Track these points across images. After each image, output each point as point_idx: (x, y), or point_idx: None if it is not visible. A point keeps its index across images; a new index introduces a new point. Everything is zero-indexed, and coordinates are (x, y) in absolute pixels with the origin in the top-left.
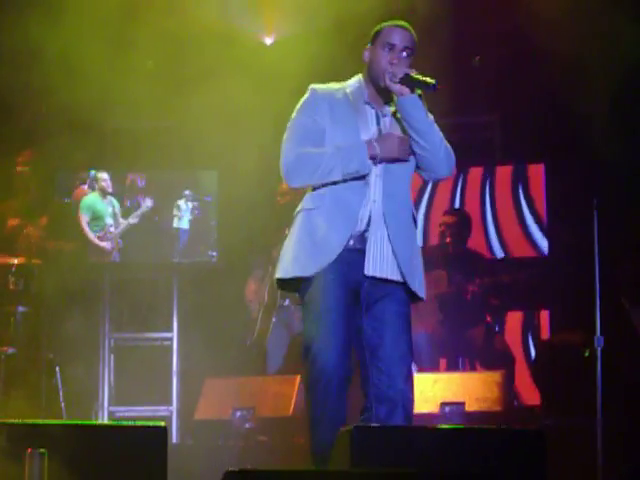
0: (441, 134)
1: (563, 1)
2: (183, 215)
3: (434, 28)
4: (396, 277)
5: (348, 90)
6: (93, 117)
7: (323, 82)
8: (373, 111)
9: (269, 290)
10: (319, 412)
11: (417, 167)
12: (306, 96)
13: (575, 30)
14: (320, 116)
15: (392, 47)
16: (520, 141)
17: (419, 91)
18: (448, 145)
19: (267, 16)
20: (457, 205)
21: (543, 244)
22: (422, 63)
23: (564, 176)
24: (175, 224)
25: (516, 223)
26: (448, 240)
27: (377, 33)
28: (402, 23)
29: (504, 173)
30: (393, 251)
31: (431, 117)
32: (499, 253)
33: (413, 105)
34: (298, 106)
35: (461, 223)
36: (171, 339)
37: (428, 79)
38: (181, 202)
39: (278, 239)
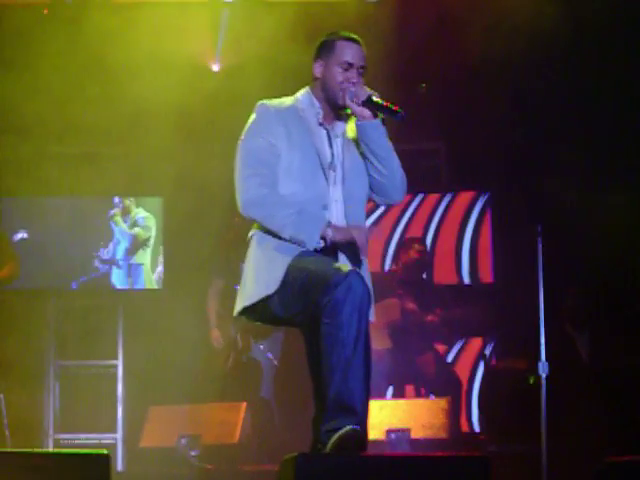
0: (398, 160)
1: (510, 30)
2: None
3: (381, 54)
4: None
5: (300, 107)
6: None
7: None
8: (325, 132)
9: (241, 335)
10: (351, 346)
11: (370, 190)
12: (258, 114)
13: (520, 60)
14: (275, 137)
15: (350, 65)
16: (465, 169)
17: (381, 116)
18: (403, 172)
19: (214, 43)
20: (400, 232)
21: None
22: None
23: (509, 204)
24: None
25: (454, 251)
26: (398, 268)
27: (329, 47)
28: (356, 38)
29: (449, 200)
30: None
31: (390, 143)
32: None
33: (376, 130)
34: (250, 124)
35: (414, 251)
36: (116, 366)
37: (395, 107)
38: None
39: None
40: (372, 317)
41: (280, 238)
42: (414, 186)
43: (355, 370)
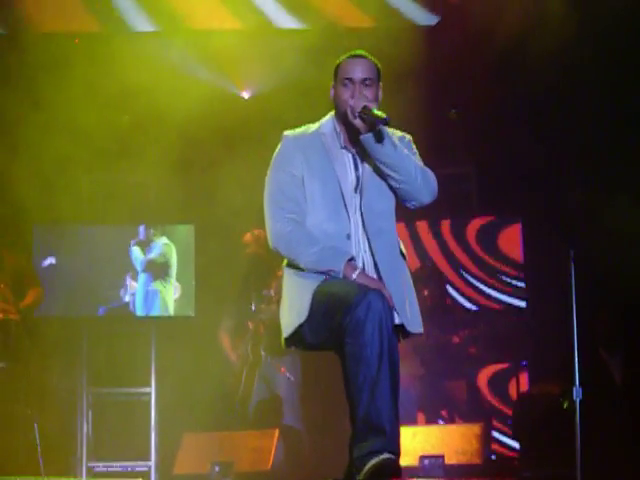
0: (415, 160)
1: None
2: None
3: (412, 79)
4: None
5: (322, 133)
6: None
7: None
8: (350, 155)
9: (252, 347)
10: (375, 365)
11: (397, 198)
12: (280, 147)
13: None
14: (296, 168)
15: (350, 81)
16: (497, 193)
17: (380, 116)
18: (426, 169)
19: (244, 70)
20: (420, 256)
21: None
22: (398, 114)
23: (541, 228)
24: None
25: (489, 275)
26: (426, 293)
27: (336, 69)
28: (358, 53)
29: (481, 225)
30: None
31: (401, 144)
32: (470, 305)
33: (372, 141)
34: (274, 159)
35: (438, 276)
36: (149, 394)
37: (379, 113)
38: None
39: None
40: (420, 329)
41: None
42: (444, 211)
43: (382, 389)
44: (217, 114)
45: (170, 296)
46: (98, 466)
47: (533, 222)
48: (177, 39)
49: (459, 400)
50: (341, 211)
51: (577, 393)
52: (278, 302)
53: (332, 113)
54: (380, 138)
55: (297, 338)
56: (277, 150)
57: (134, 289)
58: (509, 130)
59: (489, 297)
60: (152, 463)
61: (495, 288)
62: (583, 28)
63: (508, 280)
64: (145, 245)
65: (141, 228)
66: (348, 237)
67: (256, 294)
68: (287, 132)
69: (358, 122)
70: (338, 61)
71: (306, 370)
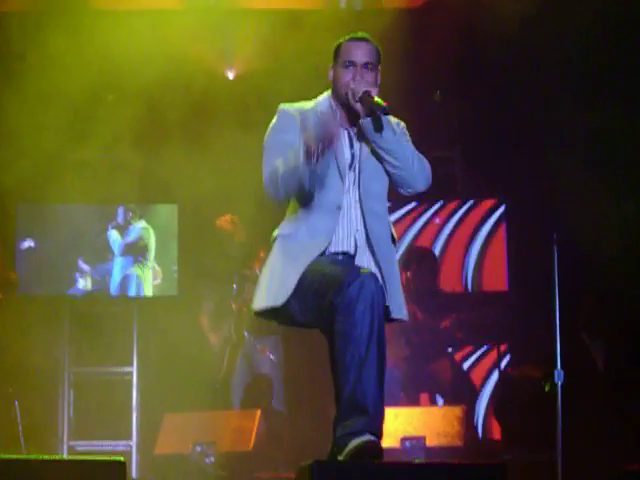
0: (411, 146)
1: (528, 39)
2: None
3: (396, 62)
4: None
5: (319, 110)
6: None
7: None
8: (346, 133)
9: (235, 328)
10: (364, 345)
11: (392, 183)
12: (278, 116)
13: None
14: (294, 135)
15: (352, 64)
16: (480, 176)
17: (381, 104)
18: (421, 157)
19: (230, 50)
20: (412, 239)
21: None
22: (382, 96)
23: (524, 211)
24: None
25: (468, 258)
26: (409, 275)
27: (337, 50)
28: (361, 36)
29: (464, 209)
30: (382, 277)
31: (398, 130)
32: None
33: (373, 127)
34: (271, 127)
35: (428, 260)
36: (131, 373)
37: (380, 100)
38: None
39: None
40: (405, 316)
41: (289, 237)
42: (429, 194)
43: (369, 369)
44: (201, 93)
45: (148, 280)
46: (79, 445)
47: (517, 205)
48: (164, 16)
49: (443, 381)
50: (335, 183)
51: (559, 376)
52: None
53: (328, 93)
54: (379, 125)
55: (275, 312)
56: (274, 119)
57: (87, 272)
58: (494, 113)
59: (466, 280)
60: (133, 443)
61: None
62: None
63: (490, 263)
64: (123, 229)
65: (120, 210)
66: (338, 208)
67: (238, 275)
68: (284, 104)
69: (358, 106)
70: (339, 42)
71: (288, 351)
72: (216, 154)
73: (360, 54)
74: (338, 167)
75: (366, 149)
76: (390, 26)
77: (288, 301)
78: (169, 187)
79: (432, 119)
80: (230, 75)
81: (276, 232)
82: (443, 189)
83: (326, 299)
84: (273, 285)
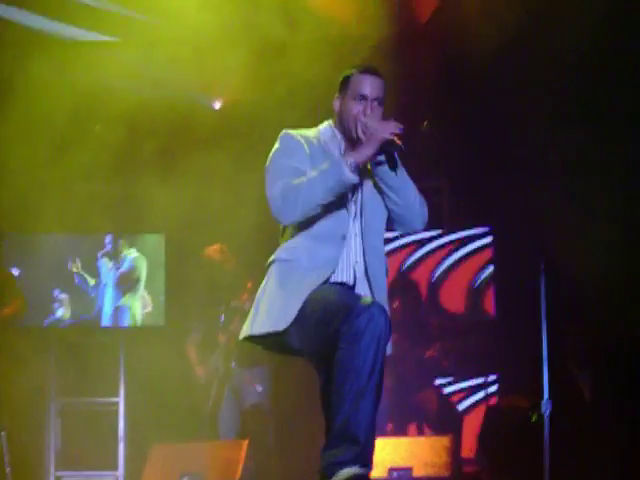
0: (414, 187)
1: (511, 67)
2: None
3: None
4: None
5: (322, 139)
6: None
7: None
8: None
9: (223, 361)
10: (365, 377)
11: (389, 220)
12: (283, 141)
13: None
14: (301, 163)
15: (363, 97)
16: (468, 205)
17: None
18: (421, 197)
19: (215, 80)
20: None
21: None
22: None
23: (511, 240)
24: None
25: (464, 287)
26: (396, 305)
27: (346, 80)
28: (373, 69)
29: (453, 238)
30: None
31: (403, 173)
32: (446, 317)
33: (387, 165)
34: (275, 151)
35: (412, 289)
36: (117, 404)
37: (399, 143)
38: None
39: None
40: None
41: (292, 262)
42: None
43: (366, 400)
44: (188, 123)
45: (138, 310)
46: (66, 475)
47: (504, 234)
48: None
49: (429, 411)
50: (341, 213)
51: (546, 407)
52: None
53: (329, 122)
54: (395, 166)
55: (268, 339)
56: (279, 144)
57: (64, 303)
58: (480, 142)
59: (459, 308)
60: (120, 474)
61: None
62: (553, 44)
63: (479, 291)
64: (115, 258)
65: (108, 238)
66: (343, 238)
67: (225, 306)
68: (287, 130)
69: (365, 140)
70: (348, 73)
71: (276, 382)
72: (202, 183)
73: (372, 88)
74: (343, 196)
75: (369, 183)
76: (377, 55)
77: (287, 327)
78: (155, 217)
79: (420, 149)
80: (216, 105)
81: (273, 257)
82: (430, 218)
83: (330, 327)
84: (273, 310)
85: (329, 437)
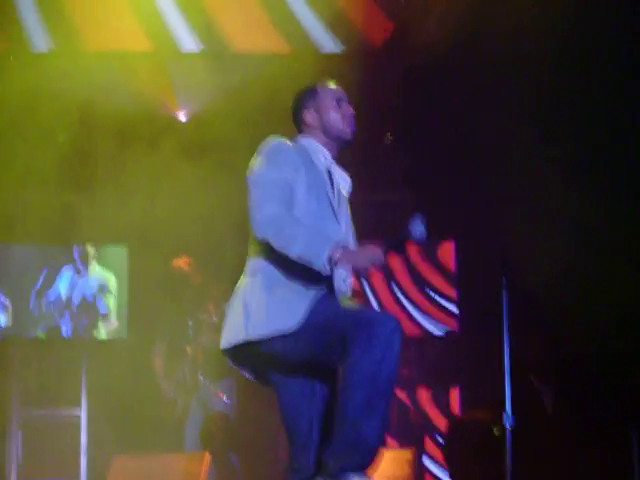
0: None
1: (476, 77)
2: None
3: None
4: None
5: (307, 150)
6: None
7: (243, 158)
8: (328, 174)
9: (189, 372)
10: (383, 383)
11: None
12: (276, 148)
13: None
14: (294, 173)
15: (340, 100)
16: (431, 219)
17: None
18: None
19: (181, 92)
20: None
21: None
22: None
23: (474, 253)
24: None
25: (424, 300)
26: None
27: (313, 94)
28: (330, 79)
29: (414, 250)
30: None
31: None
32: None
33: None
34: (268, 155)
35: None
36: (79, 416)
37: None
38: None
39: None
40: None
41: (285, 265)
42: (378, 237)
43: (380, 411)
44: (153, 135)
45: (101, 323)
46: None
47: (467, 247)
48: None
49: (391, 424)
50: (332, 223)
51: (508, 420)
52: (219, 328)
53: (306, 135)
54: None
55: (252, 348)
56: (271, 150)
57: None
58: (443, 155)
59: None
60: None
61: (428, 313)
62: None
63: (438, 305)
64: (79, 269)
65: (76, 250)
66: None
67: (194, 319)
68: (275, 137)
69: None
70: (309, 87)
71: (242, 394)
72: (166, 194)
73: (342, 92)
74: (333, 210)
75: (343, 198)
76: (338, 69)
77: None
78: (119, 228)
79: (383, 162)
80: (182, 117)
81: (263, 257)
82: (393, 231)
83: (340, 332)
84: (276, 311)
85: (336, 441)
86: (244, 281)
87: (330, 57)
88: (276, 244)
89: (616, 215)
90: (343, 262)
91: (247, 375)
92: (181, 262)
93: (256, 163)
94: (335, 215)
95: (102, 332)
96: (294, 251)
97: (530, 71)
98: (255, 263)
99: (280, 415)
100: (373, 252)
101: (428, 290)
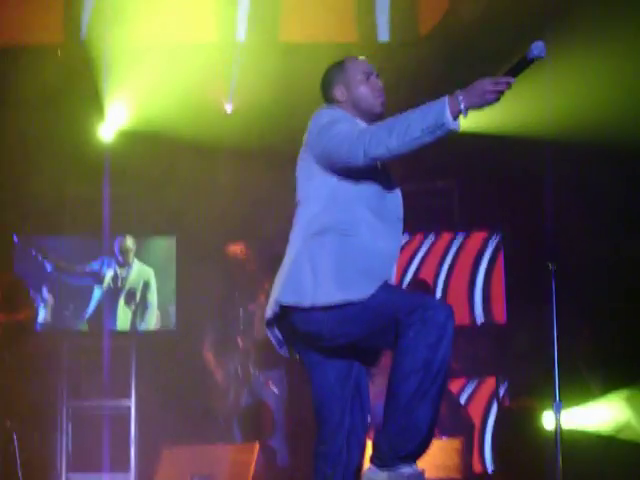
0: None
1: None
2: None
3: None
4: None
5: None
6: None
7: (279, 150)
8: None
9: (241, 365)
10: (436, 368)
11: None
12: (338, 112)
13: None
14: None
15: (370, 74)
16: (478, 208)
17: None
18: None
19: (227, 83)
20: (413, 272)
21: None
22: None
23: (522, 243)
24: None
25: (467, 291)
26: None
27: (342, 70)
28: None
29: (462, 240)
30: None
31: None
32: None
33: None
34: (333, 115)
35: (424, 291)
36: (129, 407)
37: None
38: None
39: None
40: None
41: (353, 224)
42: (427, 225)
43: (433, 396)
44: (199, 126)
45: (149, 313)
46: (77, 478)
47: (514, 236)
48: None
49: (440, 414)
50: (393, 193)
51: (557, 409)
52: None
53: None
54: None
55: (304, 318)
56: (334, 112)
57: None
58: (490, 144)
59: (471, 313)
60: (131, 476)
61: (476, 304)
62: None
63: (489, 295)
64: (122, 268)
65: (116, 244)
66: (399, 219)
67: (243, 310)
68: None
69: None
70: (337, 64)
71: (292, 385)
72: (214, 186)
73: (371, 66)
74: (390, 176)
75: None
76: (390, 57)
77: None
78: (168, 220)
79: (430, 151)
80: (228, 109)
81: (322, 227)
82: (440, 220)
83: (396, 312)
84: (354, 277)
85: (389, 426)
86: (308, 238)
87: (381, 44)
88: (395, 145)
89: None
90: (472, 104)
91: (279, 347)
92: (237, 248)
93: (312, 125)
94: (390, 181)
95: (150, 323)
96: (415, 133)
97: None
98: (319, 218)
99: (312, 397)
100: (491, 82)
101: (476, 281)
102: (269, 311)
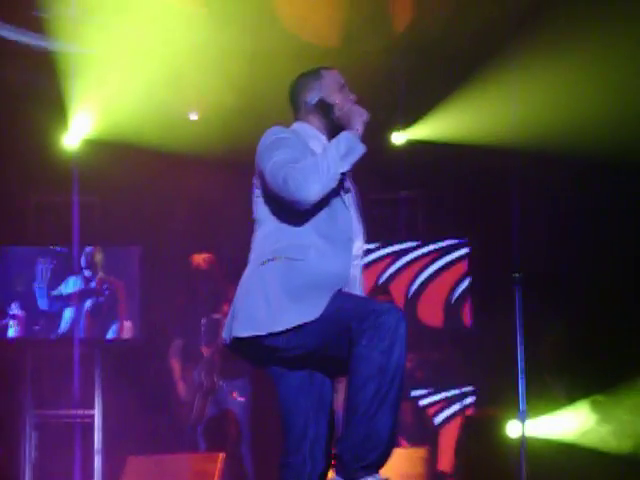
0: None
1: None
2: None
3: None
4: None
5: (302, 135)
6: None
7: (245, 159)
8: None
9: (205, 374)
10: (391, 374)
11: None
12: (282, 132)
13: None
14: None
15: (344, 86)
16: (443, 217)
17: None
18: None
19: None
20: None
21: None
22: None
23: (487, 252)
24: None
25: (441, 299)
26: None
27: (316, 76)
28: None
29: (429, 249)
30: None
31: None
32: (423, 329)
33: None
34: (277, 138)
35: (386, 298)
36: (93, 416)
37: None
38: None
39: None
40: None
41: (301, 248)
42: (392, 235)
43: (391, 403)
44: (163, 133)
45: (114, 323)
46: None
47: (480, 245)
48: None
49: (404, 423)
50: (343, 212)
51: (522, 417)
52: None
53: (302, 122)
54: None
55: (263, 342)
56: (277, 135)
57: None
58: (455, 153)
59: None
60: None
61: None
62: None
63: (455, 303)
64: (88, 278)
65: (82, 255)
66: (350, 240)
67: (207, 318)
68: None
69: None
70: (312, 71)
71: (256, 393)
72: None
73: (344, 79)
74: (341, 195)
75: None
76: (360, 67)
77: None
78: (133, 229)
79: (395, 161)
80: (192, 117)
81: (274, 254)
82: (405, 230)
83: (347, 322)
84: (300, 301)
85: (349, 435)
86: (260, 265)
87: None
88: (323, 184)
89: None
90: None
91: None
92: (200, 258)
93: (259, 143)
94: (343, 200)
95: (115, 333)
96: (336, 166)
97: None
98: (271, 244)
99: (277, 408)
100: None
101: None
102: (226, 337)
